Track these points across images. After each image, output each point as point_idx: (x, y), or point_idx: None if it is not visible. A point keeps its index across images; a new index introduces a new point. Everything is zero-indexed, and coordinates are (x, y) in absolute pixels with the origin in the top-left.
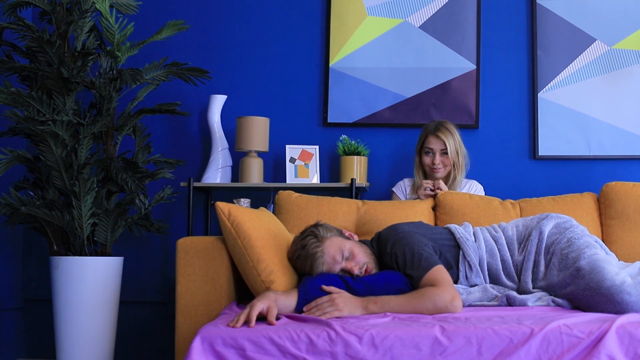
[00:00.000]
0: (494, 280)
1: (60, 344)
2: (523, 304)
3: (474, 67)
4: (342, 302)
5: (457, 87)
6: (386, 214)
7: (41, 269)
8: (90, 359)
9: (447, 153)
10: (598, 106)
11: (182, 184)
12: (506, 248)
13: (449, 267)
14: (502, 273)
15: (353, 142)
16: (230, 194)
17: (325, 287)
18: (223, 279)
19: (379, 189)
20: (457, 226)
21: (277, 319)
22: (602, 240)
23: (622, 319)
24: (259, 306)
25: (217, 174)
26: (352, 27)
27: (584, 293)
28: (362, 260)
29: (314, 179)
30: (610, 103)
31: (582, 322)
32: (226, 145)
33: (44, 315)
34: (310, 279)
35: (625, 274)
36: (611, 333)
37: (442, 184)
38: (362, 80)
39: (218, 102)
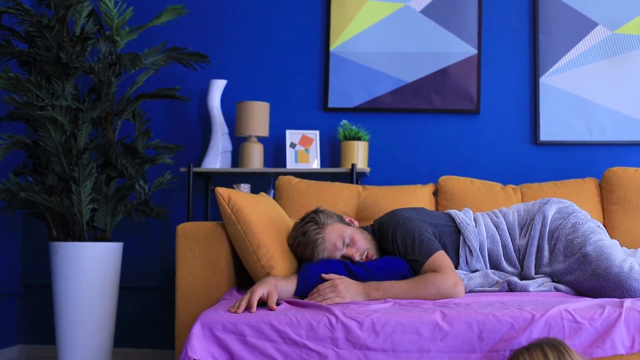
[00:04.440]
0: (494, 265)
1: (60, 329)
2: (524, 290)
3: (475, 51)
4: (344, 288)
5: (458, 72)
6: (387, 200)
7: (41, 254)
8: (90, 345)
9: None
10: (600, 91)
11: (181, 169)
12: (507, 233)
13: (449, 253)
14: (502, 258)
15: (354, 127)
16: (230, 179)
17: (325, 276)
18: (223, 264)
19: (379, 174)
20: (457, 211)
21: (278, 304)
22: (604, 226)
23: (627, 305)
24: (259, 292)
25: (216, 159)
26: (353, 11)
27: (590, 279)
28: (363, 247)
29: (315, 164)
30: (612, 88)
31: (584, 307)
32: (226, 130)
33: (43, 301)
34: (310, 264)
35: (633, 260)
36: (616, 319)
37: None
38: (362, 65)
39: (218, 87)
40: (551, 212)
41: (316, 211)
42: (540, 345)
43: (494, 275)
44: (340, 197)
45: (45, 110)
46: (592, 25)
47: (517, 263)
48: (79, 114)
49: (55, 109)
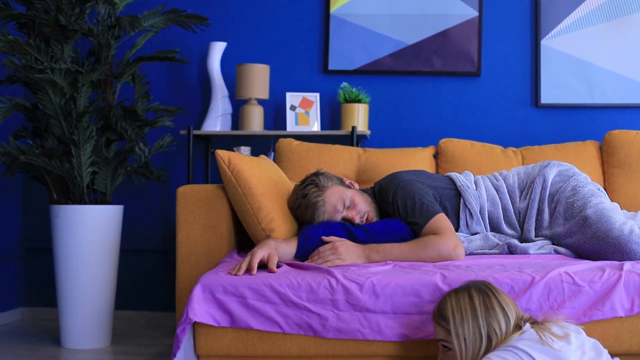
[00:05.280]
0: (494, 228)
1: (61, 292)
2: (524, 252)
3: (477, 13)
4: (345, 250)
5: (459, 34)
6: (387, 162)
7: (41, 217)
8: (91, 308)
9: None
10: (601, 54)
11: (181, 132)
12: (507, 196)
13: (449, 215)
14: (503, 221)
15: (354, 89)
16: (230, 142)
17: (325, 238)
18: (223, 227)
19: (380, 137)
20: (458, 174)
21: (278, 266)
22: (604, 189)
23: (627, 268)
24: (259, 254)
25: (217, 121)
26: None
27: (590, 242)
28: (363, 209)
29: (315, 127)
30: (613, 50)
31: (583, 270)
32: (226, 92)
33: (44, 264)
34: (310, 226)
35: (633, 223)
36: (615, 282)
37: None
38: (363, 27)
39: (217, 49)
40: (551, 175)
41: (316, 174)
42: (468, 288)
43: (494, 238)
44: (341, 159)
45: (44, 73)
46: None
47: (517, 226)
48: (78, 76)
49: (54, 72)
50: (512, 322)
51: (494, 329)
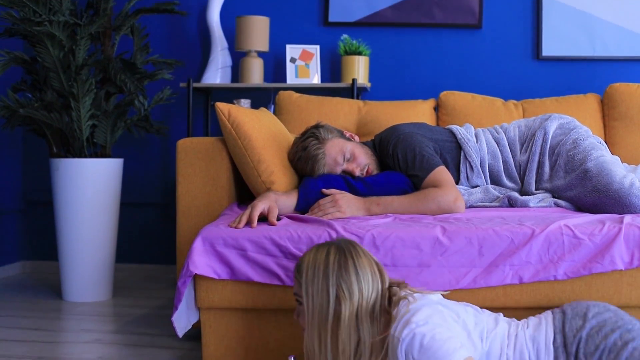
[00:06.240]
0: (495, 181)
1: (62, 245)
2: (525, 205)
3: None
4: (345, 203)
5: None
6: (387, 115)
7: (41, 171)
8: (92, 261)
9: None
10: (603, 6)
11: (181, 84)
12: (508, 149)
13: (449, 168)
14: (503, 174)
15: (354, 41)
16: (230, 94)
17: (325, 191)
18: (223, 179)
19: (380, 90)
20: (458, 127)
21: (278, 219)
22: (605, 142)
23: (627, 221)
24: (260, 207)
25: (216, 74)
26: None
27: (590, 195)
28: (363, 162)
29: (315, 79)
30: (616, 3)
31: (583, 223)
32: (226, 45)
33: (45, 217)
34: (310, 179)
35: (633, 176)
36: (615, 235)
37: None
38: None
39: (217, 1)
40: (552, 127)
41: (317, 126)
42: (330, 244)
43: (494, 191)
44: (341, 112)
45: (42, 26)
46: None
47: (518, 179)
48: (77, 29)
49: (52, 25)
50: (369, 289)
51: (343, 291)
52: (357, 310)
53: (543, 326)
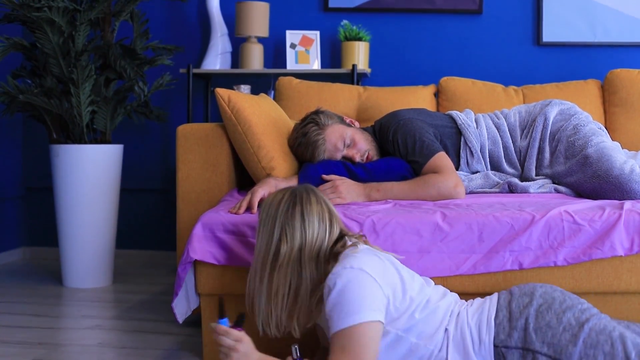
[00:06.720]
0: (495, 167)
1: (62, 231)
2: (525, 191)
3: None
4: (345, 189)
5: None
6: (388, 101)
7: (42, 157)
8: (92, 247)
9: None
10: None
11: (181, 70)
12: (508, 135)
13: (450, 154)
14: (503, 160)
15: (354, 27)
16: (230, 80)
17: (325, 177)
18: (224, 165)
19: (380, 75)
20: (458, 112)
21: None
22: (606, 128)
23: (627, 207)
24: (260, 192)
25: (216, 60)
26: None
27: (591, 181)
28: (363, 148)
29: (315, 65)
30: None
31: (584, 209)
32: (226, 30)
33: (45, 203)
34: (310, 165)
35: (633, 162)
36: (615, 221)
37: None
38: None
39: None
40: (553, 113)
41: (317, 112)
42: (288, 190)
43: (494, 177)
44: (341, 98)
45: (42, 12)
46: None
47: (518, 164)
48: (76, 15)
49: (52, 10)
50: (314, 235)
51: (285, 234)
52: (298, 255)
53: (487, 304)
